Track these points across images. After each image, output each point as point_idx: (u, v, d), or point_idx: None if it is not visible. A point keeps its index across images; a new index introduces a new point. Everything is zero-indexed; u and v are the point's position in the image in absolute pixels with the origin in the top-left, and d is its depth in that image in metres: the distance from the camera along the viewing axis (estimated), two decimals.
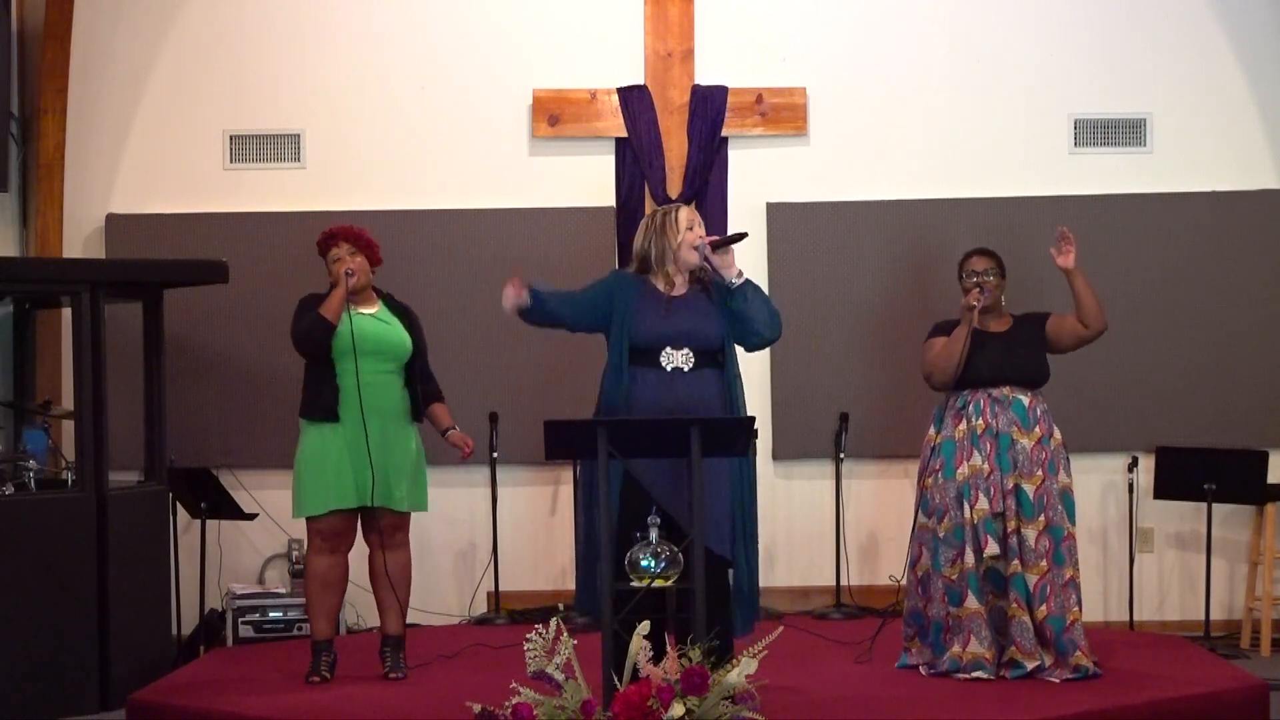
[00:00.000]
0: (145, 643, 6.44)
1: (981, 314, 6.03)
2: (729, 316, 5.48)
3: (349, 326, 5.93)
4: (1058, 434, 6.04)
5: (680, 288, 5.53)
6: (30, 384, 7.25)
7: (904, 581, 6.20)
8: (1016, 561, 5.90)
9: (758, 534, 5.58)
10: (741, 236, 5.59)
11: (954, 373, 6.01)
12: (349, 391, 5.94)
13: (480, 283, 7.51)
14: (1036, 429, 5.99)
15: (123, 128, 7.62)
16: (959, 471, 5.96)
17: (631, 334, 5.43)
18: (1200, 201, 7.58)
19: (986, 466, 5.94)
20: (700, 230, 5.55)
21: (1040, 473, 5.95)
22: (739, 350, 5.60)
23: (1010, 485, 5.92)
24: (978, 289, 6.02)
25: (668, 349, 5.42)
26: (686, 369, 5.42)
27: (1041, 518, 5.91)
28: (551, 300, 5.52)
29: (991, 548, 5.87)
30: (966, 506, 5.92)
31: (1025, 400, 6.01)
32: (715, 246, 5.49)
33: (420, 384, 6.11)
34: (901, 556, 7.52)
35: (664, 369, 5.41)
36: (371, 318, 6.07)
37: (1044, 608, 5.87)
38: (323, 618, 6.07)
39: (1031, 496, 5.93)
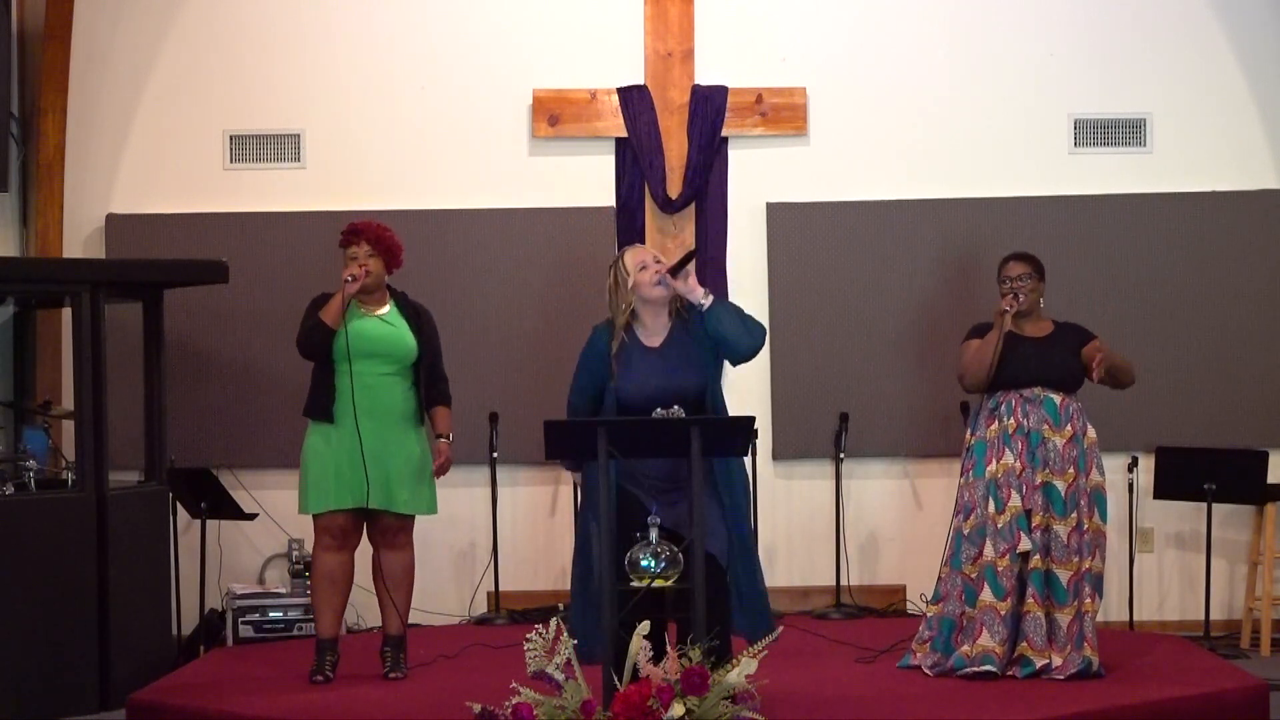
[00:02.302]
0: (145, 643, 6.44)
1: (1017, 318, 6.08)
2: (710, 342, 5.43)
3: (347, 330, 5.92)
4: (1091, 432, 6.07)
5: (660, 330, 5.45)
6: (30, 384, 7.25)
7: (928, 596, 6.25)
8: (1036, 557, 5.92)
9: (755, 538, 5.54)
10: (691, 256, 5.47)
11: (985, 375, 6.05)
12: (345, 394, 5.93)
13: (480, 283, 7.52)
14: (1068, 427, 6.01)
15: (123, 128, 7.62)
16: (989, 469, 6.00)
17: (620, 397, 5.38)
18: (1200, 201, 7.57)
19: (1018, 464, 5.97)
20: (655, 264, 5.44)
21: (1072, 470, 5.98)
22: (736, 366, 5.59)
23: (1039, 482, 5.95)
24: (1012, 294, 6.07)
25: (658, 409, 5.34)
26: None
27: (1074, 515, 5.95)
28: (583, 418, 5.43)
29: (1024, 543, 5.89)
30: (993, 504, 5.95)
31: (1056, 399, 6.03)
32: (673, 273, 5.43)
33: (426, 385, 6.10)
34: (901, 557, 7.61)
35: None
36: (377, 320, 6.05)
37: (1075, 604, 5.91)
38: (327, 615, 6.07)
39: (1063, 494, 5.96)
